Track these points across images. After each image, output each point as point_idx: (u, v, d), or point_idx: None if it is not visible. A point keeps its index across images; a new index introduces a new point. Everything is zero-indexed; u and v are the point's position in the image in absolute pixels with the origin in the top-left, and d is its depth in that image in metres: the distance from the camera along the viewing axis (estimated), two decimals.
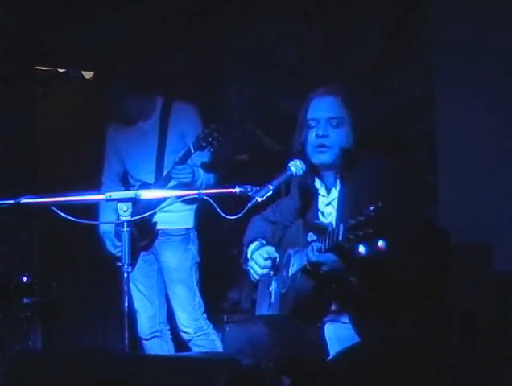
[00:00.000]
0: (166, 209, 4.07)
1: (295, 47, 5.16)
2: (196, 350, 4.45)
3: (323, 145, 3.00)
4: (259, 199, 2.93)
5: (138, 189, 4.26)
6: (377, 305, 2.84)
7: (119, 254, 4.40)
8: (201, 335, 4.45)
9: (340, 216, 2.96)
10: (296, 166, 3.01)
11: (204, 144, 4.12)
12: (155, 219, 4.40)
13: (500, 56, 4.01)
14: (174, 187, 4.24)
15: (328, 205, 3.06)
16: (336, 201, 3.03)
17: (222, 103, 5.45)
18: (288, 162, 3.04)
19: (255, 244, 3.29)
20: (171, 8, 5.32)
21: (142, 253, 4.50)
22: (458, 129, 4.17)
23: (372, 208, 2.51)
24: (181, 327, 4.47)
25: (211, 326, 4.51)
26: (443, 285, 3.43)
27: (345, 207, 2.96)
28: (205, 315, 4.50)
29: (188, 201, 4.37)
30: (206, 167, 4.37)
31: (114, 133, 4.60)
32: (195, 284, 4.48)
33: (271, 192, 2.95)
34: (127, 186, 4.57)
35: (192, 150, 4.16)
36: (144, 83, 4.51)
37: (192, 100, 4.62)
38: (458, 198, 4.13)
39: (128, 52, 5.18)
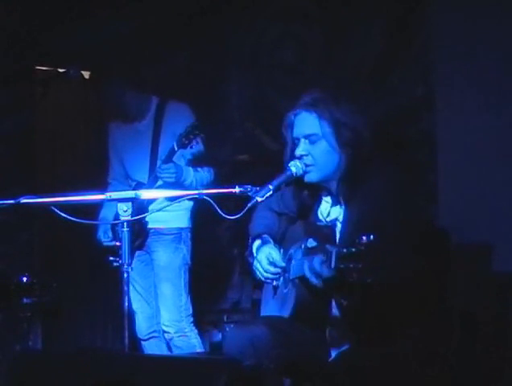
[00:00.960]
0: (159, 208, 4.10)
1: (295, 47, 5.16)
2: (174, 351, 4.45)
3: (306, 165, 2.97)
4: (259, 199, 2.92)
5: (133, 189, 4.29)
6: (377, 309, 2.83)
7: (107, 243, 4.43)
8: (181, 336, 4.44)
9: (343, 237, 2.92)
10: (296, 166, 2.99)
11: (186, 141, 4.14)
12: (148, 218, 4.40)
13: (500, 56, 4.01)
14: (161, 187, 4.26)
15: (334, 221, 3.02)
16: (341, 217, 2.98)
17: (222, 103, 5.45)
18: (288, 162, 3.04)
19: (259, 241, 3.25)
20: (171, 8, 5.32)
21: (138, 253, 4.50)
22: (458, 129, 4.17)
23: (364, 240, 2.47)
24: (163, 327, 4.47)
25: (195, 330, 4.50)
26: (443, 285, 3.43)
27: (349, 229, 2.90)
28: (191, 319, 4.49)
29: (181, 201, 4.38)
30: (192, 165, 4.37)
31: (114, 134, 4.61)
32: (182, 284, 4.47)
33: (271, 192, 2.94)
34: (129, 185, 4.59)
35: (176, 148, 4.17)
36: (143, 82, 4.52)
37: (191, 100, 4.63)
38: (458, 198, 4.13)
39: (128, 52, 5.18)
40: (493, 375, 3.68)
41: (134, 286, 4.54)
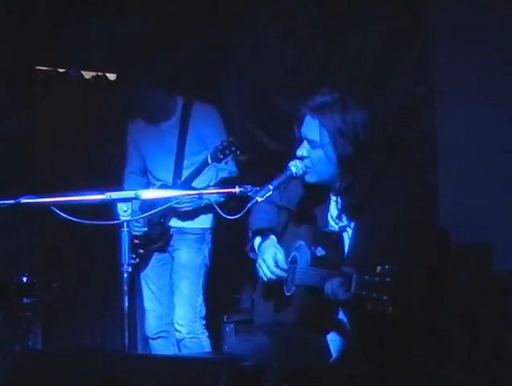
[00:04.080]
0: (184, 208, 4.19)
1: (295, 47, 5.16)
2: (184, 351, 4.44)
3: (305, 166, 2.97)
4: (259, 199, 2.91)
5: (158, 188, 4.34)
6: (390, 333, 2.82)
7: (137, 231, 4.38)
8: (193, 338, 4.43)
9: (353, 251, 2.91)
10: (296, 166, 2.99)
11: (221, 156, 4.12)
12: (172, 217, 4.43)
13: (500, 56, 4.01)
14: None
15: (344, 227, 2.99)
16: (352, 225, 2.97)
17: (222, 103, 5.45)
18: (288, 162, 3.03)
19: (262, 238, 3.21)
20: (171, 8, 5.32)
21: (156, 253, 4.53)
22: (458, 129, 4.17)
23: (387, 269, 2.46)
24: (176, 326, 4.46)
25: (206, 333, 4.49)
26: (442, 285, 3.43)
27: (359, 245, 2.90)
28: (203, 321, 4.48)
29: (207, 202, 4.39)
30: (222, 184, 4.34)
31: (135, 130, 4.61)
32: (200, 285, 4.47)
33: (271, 192, 2.93)
34: (149, 182, 4.59)
35: (209, 161, 4.16)
36: (169, 82, 4.50)
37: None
38: (458, 198, 4.13)
39: (128, 52, 5.18)
40: (493, 376, 3.68)
41: (148, 285, 4.57)
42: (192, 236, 4.49)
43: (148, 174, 4.62)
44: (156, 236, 4.43)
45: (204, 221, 4.51)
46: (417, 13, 4.43)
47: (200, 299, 4.46)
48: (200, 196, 4.23)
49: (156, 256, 4.55)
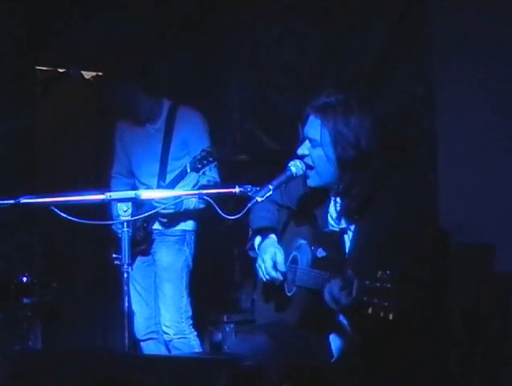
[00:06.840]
0: (163, 210, 4.14)
1: (295, 46, 5.16)
2: (174, 352, 4.44)
3: (306, 166, 2.96)
4: (259, 199, 2.91)
5: None
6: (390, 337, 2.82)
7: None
8: (181, 338, 4.44)
9: (354, 254, 2.91)
10: (296, 166, 2.99)
11: (199, 166, 4.09)
12: (152, 220, 4.41)
13: (501, 55, 4.01)
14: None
15: (345, 229, 2.99)
16: (352, 227, 2.96)
17: (222, 103, 5.45)
18: (288, 162, 3.03)
19: (262, 237, 3.21)
20: (172, 8, 5.32)
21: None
22: (458, 129, 4.16)
23: (389, 275, 2.46)
24: (163, 327, 4.47)
25: (194, 332, 4.50)
26: (443, 286, 3.43)
27: (360, 245, 2.89)
28: (190, 321, 4.49)
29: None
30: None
31: (123, 131, 4.59)
32: (184, 286, 4.48)
33: (271, 192, 2.93)
34: (134, 185, 4.58)
35: (188, 170, 4.15)
36: (154, 84, 4.49)
37: (191, 100, 4.62)
38: (458, 198, 4.12)
39: (129, 53, 5.18)
40: (493, 375, 3.68)
41: (134, 286, 4.55)
42: (171, 238, 4.49)
43: (134, 179, 4.60)
44: (140, 239, 4.42)
45: (185, 223, 4.50)
46: (417, 13, 4.43)
47: (185, 300, 4.47)
48: (181, 202, 4.27)
49: (141, 258, 4.54)
